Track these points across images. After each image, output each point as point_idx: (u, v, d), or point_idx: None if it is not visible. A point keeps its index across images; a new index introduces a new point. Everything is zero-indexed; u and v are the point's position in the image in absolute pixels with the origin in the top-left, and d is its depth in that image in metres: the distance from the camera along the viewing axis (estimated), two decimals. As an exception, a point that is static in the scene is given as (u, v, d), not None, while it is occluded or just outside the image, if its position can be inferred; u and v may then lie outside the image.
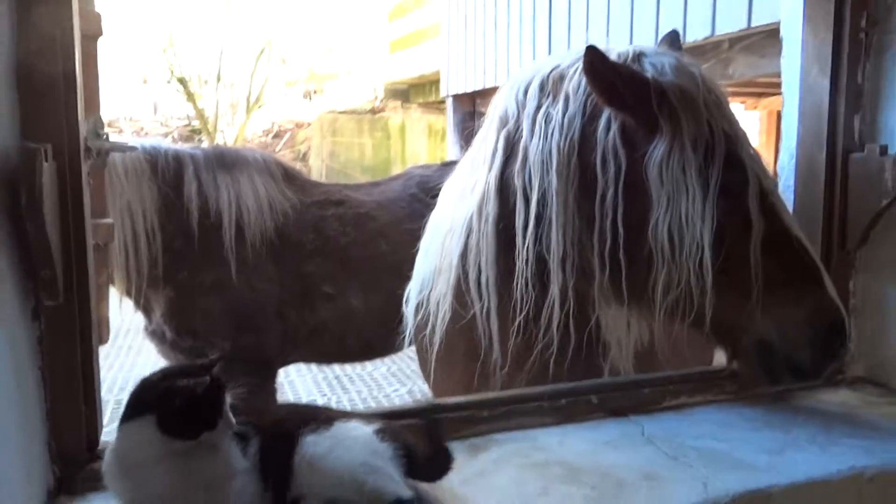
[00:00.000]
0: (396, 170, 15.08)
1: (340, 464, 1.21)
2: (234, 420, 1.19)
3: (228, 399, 1.21)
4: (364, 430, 1.30)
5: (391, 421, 1.39)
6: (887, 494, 1.45)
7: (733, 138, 1.72)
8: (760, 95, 10.11)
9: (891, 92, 1.85)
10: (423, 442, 1.34)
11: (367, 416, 1.38)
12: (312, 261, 3.99)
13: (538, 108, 1.88)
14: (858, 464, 1.46)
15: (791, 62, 2.08)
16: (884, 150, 1.82)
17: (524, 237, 1.87)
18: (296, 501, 1.22)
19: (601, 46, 1.71)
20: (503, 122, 1.97)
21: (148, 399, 1.16)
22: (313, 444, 1.24)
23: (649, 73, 1.73)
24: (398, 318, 4.32)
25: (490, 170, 1.98)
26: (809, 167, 1.99)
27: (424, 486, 1.32)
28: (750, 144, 1.77)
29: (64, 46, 1.26)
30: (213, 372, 1.23)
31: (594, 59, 1.67)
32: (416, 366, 7.41)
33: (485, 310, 1.99)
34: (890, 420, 1.70)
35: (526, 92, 1.92)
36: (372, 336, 4.17)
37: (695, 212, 1.66)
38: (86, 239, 1.32)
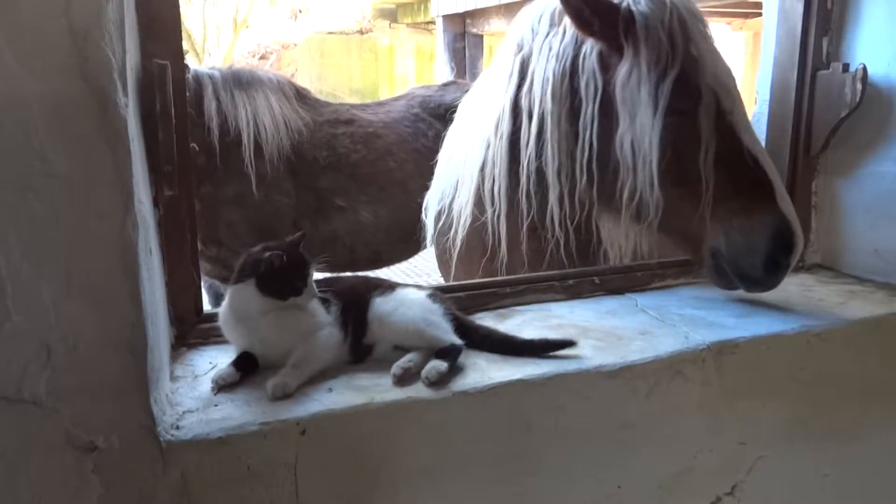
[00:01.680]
0: (384, 92, 15.06)
1: (404, 318, 1.56)
2: (316, 290, 1.53)
3: (314, 272, 1.55)
4: (420, 294, 1.64)
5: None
6: (828, 347, 1.83)
7: (694, 60, 1.88)
8: (747, 16, 10.25)
9: (854, 16, 2.15)
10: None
11: (419, 287, 1.72)
12: (326, 176, 4.27)
13: (545, 36, 2.15)
14: (808, 323, 1.84)
15: (771, -12, 2.35)
16: (846, 68, 2.13)
17: (527, 152, 2.17)
18: (370, 347, 1.58)
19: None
20: (519, 47, 2.24)
21: (249, 266, 1.50)
22: (381, 304, 1.58)
23: (625, 1, 1.94)
24: (404, 229, 4.66)
25: (505, 92, 2.25)
26: (783, 83, 2.30)
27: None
28: (717, 65, 1.93)
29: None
30: (299, 248, 1.57)
31: None
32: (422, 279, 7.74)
33: (496, 215, 2.31)
34: (836, 295, 2.07)
35: (539, 21, 2.18)
36: (380, 246, 4.50)
37: (648, 127, 1.87)
38: (188, 140, 1.61)
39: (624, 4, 1.92)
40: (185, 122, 1.59)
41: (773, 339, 1.77)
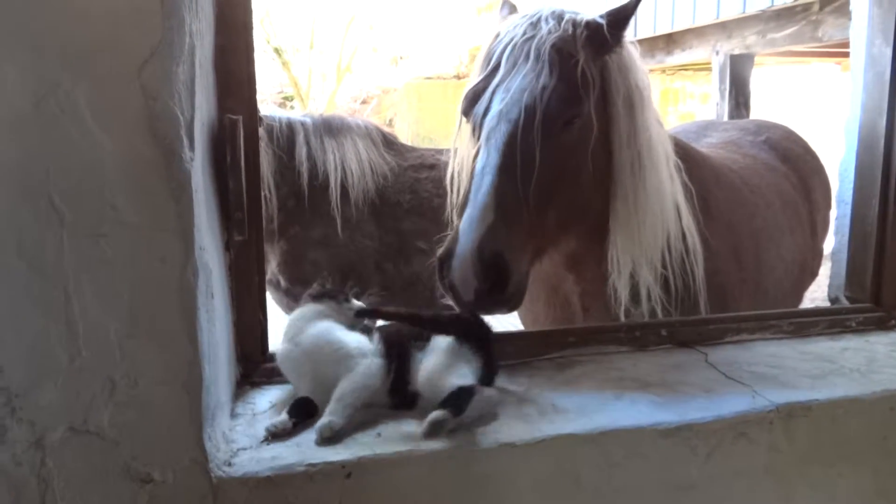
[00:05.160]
0: (479, 135, 15.22)
1: (425, 369, 1.55)
2: (355, 303, 1.64)
3: (352, 297, 1.67)
4: (446, 340, 1.61)
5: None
6: (917, 412, 1.70)
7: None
8: (857, 56, 9.80)
9: (947, 62, 2.03)
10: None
11: None
12: (408, 219, 4.36)
13: None
14: (894, 386, 1.71)
15: (858, 32, 2.27)
16: (938, 115, 2.01)
17: None
18: (415, 395, 1.57)
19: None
20: None
21: (308, 297, 1.66)
22: (418, 354, 1.59)
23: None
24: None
25: None
26: (871, 130, 2.19)
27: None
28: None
29: (245, 38, 1.63)
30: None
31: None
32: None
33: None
34: (932, 356, 1.92)
35: None
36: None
37: None
38: (259, 189, 1.71)
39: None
40: (256, 172, 1.69)
41: (851, 402, 1.66)
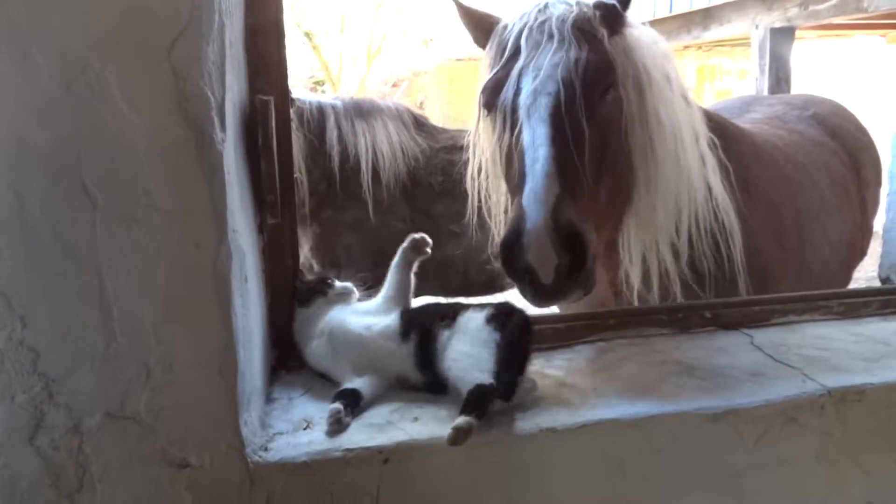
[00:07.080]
0: (510, 116, 15.05)
1: (449, 358, 1.48)
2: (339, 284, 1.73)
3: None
4: (478, 319, 1.51)
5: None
6: (979, 396, 1.61)
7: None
8: (902, 28, 9.44)
9: None
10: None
11: (484, 306, 1.56)
12: (441, 201, 4.32)
13: None
14: (953, 370, 1.63)
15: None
16: None
17: None
18: (444, 383, 1.50)
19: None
20: None
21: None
22: (442, 336, 1.52)
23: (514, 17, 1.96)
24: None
25: None
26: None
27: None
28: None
29: (275, 17, 1.59)
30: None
31: (458, 7, 2.12)
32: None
33: None
34: None
35: None
36: (494, 272, 4.49)
37: None
38: (292, 171, 1.68)
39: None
40: (289, 154, 1.66)
41: (908, 386, 1.59)
